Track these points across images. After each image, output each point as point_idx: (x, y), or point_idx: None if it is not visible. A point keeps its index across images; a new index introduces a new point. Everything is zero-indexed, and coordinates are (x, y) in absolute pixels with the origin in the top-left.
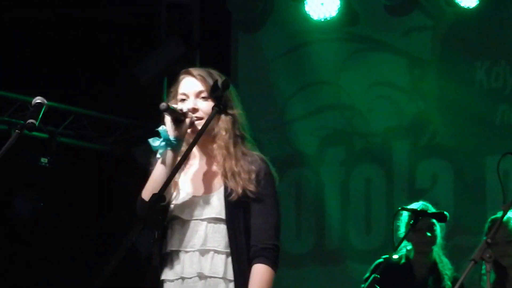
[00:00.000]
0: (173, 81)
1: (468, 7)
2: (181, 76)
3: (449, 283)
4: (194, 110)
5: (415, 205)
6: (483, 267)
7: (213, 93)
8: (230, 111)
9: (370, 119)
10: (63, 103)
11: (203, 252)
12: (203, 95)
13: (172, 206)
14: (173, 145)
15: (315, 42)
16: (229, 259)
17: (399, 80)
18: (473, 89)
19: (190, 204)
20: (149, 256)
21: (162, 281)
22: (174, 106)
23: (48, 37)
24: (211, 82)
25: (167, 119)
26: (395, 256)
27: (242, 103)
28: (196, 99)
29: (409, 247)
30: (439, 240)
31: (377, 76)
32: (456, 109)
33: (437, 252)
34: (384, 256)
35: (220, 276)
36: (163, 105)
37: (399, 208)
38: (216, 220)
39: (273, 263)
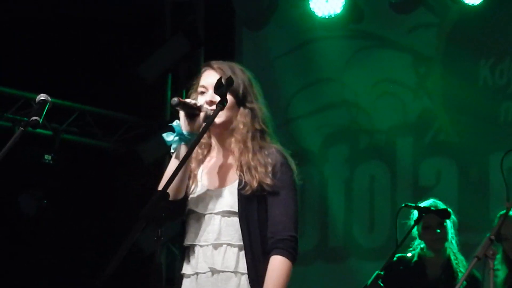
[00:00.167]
0: (196, 75)
1: (473, 4)
2: (203, 69)
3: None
4: (211, 102)
5: (426, 203)
6: (496, 262)
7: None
8: (249, 105)
9: (375, 116)
10: (67, 100)
11: (217, 246)
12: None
13: (189, 199)
14: (187, 140)
15: (319, 40)
16: (242, 252)
17: (403, 77)
18: (477, 86)
19: (205, 197)
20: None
21: (182, 275)
22: (188, 100)
23: (53, 35)
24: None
25: (181, 113)
26: (409, 255)
27: None
28: (213, 92)
29: (423, 245)
30: (450, 236)
31: (381, 73)
32: (461, 106)
33: (451, 249)
34: (398, 255)
35: (232, 270)
36: (174, 100)
37: (403, 205)
38: (230, 213)
39: (290, 255)
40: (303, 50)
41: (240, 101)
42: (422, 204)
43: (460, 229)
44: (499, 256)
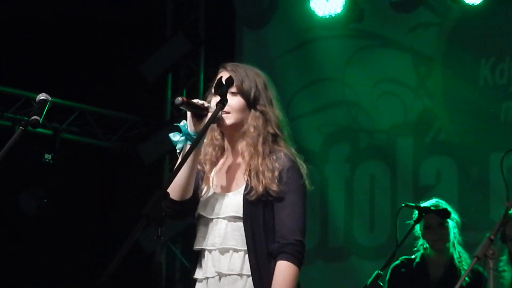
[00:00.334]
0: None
1: (473, 4)
2: (219, 70)
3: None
4: (226, 100)
5: (428, 203)
6: (501, 264)
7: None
8: (261, 108)
9: (375, 116)
10: (67, 100)
11: (223, 251)
12: (232, 90)
13: (199, 202)
14: (193, 140)
15: (320, 39)
16: (247, 256)
17: (404, 76)
18: (478, 86)
19: (213, 201)
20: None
21: (195, 280)
22: (195, 100)
23: (53, 34)
24: (242, 77)
25: (188, 113)
26: (413, 256)
27: None
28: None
29: (426, 245)
30: (452, 236)
31: (382, 73)
32: (461, 106)
33: (455, 248)
34: (402, 257)
35: (237, 272)
36: (178, 99)
37: (403, 204)
38: (235, 218)
39: (296, 259)
40: (304, 49)
41: (252, 104)
42: (425, 204)
43: (460, 228)
44: (504, 258)
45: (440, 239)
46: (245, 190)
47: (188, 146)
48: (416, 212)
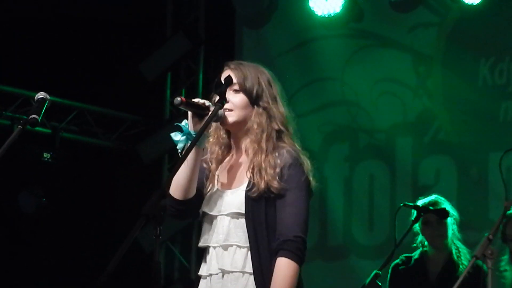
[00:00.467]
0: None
1: (472, 3)
2: (223, 69)
3: (461, 269)
4: (225, 102)
5: (428, 199)
6: (502, 264)
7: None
8: (264, 105)
9: (375, 115)
10: (66, 99)
11: (226, 247)
12: (235, 87)
13: (204, 200)
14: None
15: (319, 39)
16: (250, 253)
17: (404, 76)
18: (477, 85)
19: (216, 198)
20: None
21: (199, 277)
22: (196, 100)
23: (52, 34)
24: (244, 75)
25: (189, 113)
26: (413, 254)
27: None
28: (228, 91)
29: (425, 242)
30: (451, 232)
31: (381, 72)
32: (460, 105)
33: (454, 244)
34: (401, 256)
35: (239, 270)
36: (177, 99)
37: (401, 204)
38: (238, 214)
39: (296, 256)
40: (303, 49)
41: (254, 101)
42: (424, 200)
43: (459, 228)
44: (506, 257)
45: (438, 236)
46: (247, 187)
47: (188, 146)
48: (415, 211)
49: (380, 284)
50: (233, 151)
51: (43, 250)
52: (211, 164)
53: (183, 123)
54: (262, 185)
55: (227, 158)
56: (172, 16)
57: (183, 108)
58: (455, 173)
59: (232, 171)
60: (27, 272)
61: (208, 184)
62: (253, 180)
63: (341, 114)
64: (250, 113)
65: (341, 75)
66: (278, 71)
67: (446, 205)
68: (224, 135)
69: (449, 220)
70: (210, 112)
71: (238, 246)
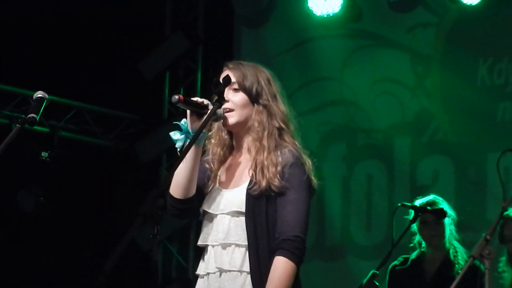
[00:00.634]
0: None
1: (471, 4)
2: (223, 69)
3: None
4: (225, 101)
5: (426, 199)
6: (500, 264)
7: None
8: (264, 103)
9: (373, 115)
10: (64, 98)
11: (225, 246)
12: (234, 86)
13: (205, 199)
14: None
15: (318, 38)
16: (248, 252)
17: (402, 76)
18: (475, 86)
19: (217, 197)
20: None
21: (197, 276)
22: (195, 98)
23: (51, 33)
24: (243, 74)
25: (188, 111)
26: (410, 254)
27: None
28: (228, 90)
29: (422, 242)
30: (448, 232)
31: (380, 72)
32: (459, 105)
33: (451, 244)
34: (400, 257)
35: (237, 269)
36: (174, 97)
37: (399, 204)
38: (238, 213)
39: (294, 255)
40: (302, 48)
41: (254, 99)
42: (422, 200)
43: (457, 228)
44: (504, 258)
45: (436, 235)
46: (249, 185)
47: (187, 145)
48: (412, 211)
49: (377, 284)
50: (235, 151)
51: (41, 249)
52: (213, 165)
53: (182, 122)
54: (264, 183)
55: (230, 158)
56: (171, 16)
57: (181, 107)
58: (453, 173)
59: (234, 171)
60: (25, 272)
61: (209, 184)
62: (255, 178)
63: (339, 114)
64: (250, 112)
65: (340, 75)
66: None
67: (444, 205)
68: (226, 136)
69: (447, 220)
70: (208, 111)
71: (237, 245)
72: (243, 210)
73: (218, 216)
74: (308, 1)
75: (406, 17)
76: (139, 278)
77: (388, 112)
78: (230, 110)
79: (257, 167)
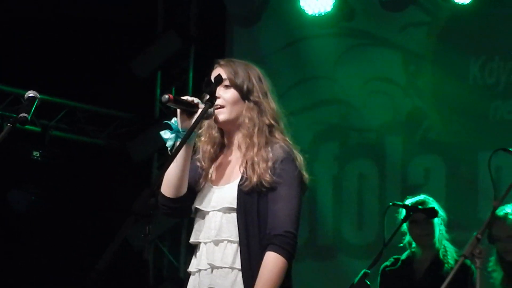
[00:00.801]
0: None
1: (463, 3)
2: (214, 66)
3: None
4: (217, 98)
5: (416, 198)
6: (490, 264)
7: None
8: (255, 99)
9: (365, 114)
10: (56, 97)
11: (217, 242)
12: (225, 83)
13: (197, 196)
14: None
15: (310, 37)
16: (239, 248)
17: (394, 75)
18: (467, 85)
19: (209, 194)
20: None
21: (189, 274)
22: (185, 97)
23: (43, 32)
24: (234, 70)
25: (178, 110)
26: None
27: None
28: (219, 87)
29: (412, 242)
30: (438, 231)
31: (372, 71)
32: (450, 104)
33: (441, 243)
34: (391, 258)
35: (229, 265)
36: (164, 97)
37: (390, 203)
38: (230, 209)
39: (284, 251)
40: (294, 47)
41: (245, 96)
42: (412, 200)
43: (448, 227)
44: (493, 258)
45: (425, 235)
46: (240, 181)
47: (178, 144)
48: (404, 210)
49: (369, 283)
50: (226, 148)
51: (32, 248)
52: (204, 163)
53: (173, 121)
54: (255, 179)
55: (221, 156)
56: (163, 15)
57: (171, 106)
58: (444, 172)
59: (225, 168)
60: (17, 271)
61: (201, 181)
62: (246, 174)
63: (331, 113)
64: (241, 109)
65: (332, 74)
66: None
67: (434, 205)
68: (217, 134)
69: (436, 220)
70: (199, 110)
71: (229, 241)
72: (235, 206)
73: (210, 213)
74: (300, 0)
75: (398, 16)
76: (131, 277)
77: (380, 111)
78: (221, 107)
79: (248, 163)
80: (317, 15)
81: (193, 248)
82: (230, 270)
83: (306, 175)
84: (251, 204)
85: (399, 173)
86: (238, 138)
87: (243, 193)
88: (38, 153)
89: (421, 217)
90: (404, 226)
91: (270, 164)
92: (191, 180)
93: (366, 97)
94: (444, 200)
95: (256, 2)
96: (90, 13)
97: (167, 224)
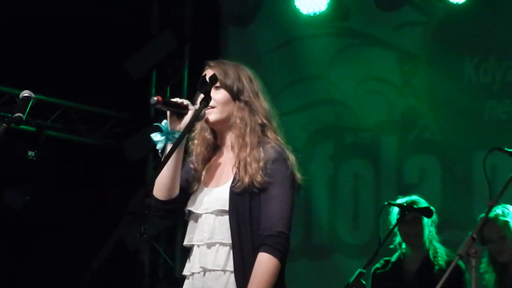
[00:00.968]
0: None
1: (457, 2)
2: (204, 68)
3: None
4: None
5: (406, 199)
6: (482, 265)
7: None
8: (245, 99)
9: (360, 114)
10: (51, 97)
11: (210, 245)
12: (216, 84)
13: (189, 199)
14: (174, 139)
15: (305, 37)
16: (232, 251)
17: (389, 75)
18: (462, 84)
19: (202, 197)
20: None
21: (184, 277)
22: (174, 99)
23: (37, 32)
24: (224, 71)
25: (168, 112)
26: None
27: None
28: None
29: (402, 243)
30: (427, 232)
31: (367, 71)
32: (445, 104)
33: (431, 244)
34: (381, 260)
35: (221, 268)
36: (153, 99)
37: (386, 203)
38: (222, 212)
39: (277, 251)
40: (289, 47)
41: (236, 96)
42: (403, 200)
43: (443, 227)
44: (485, 259)
45: (414, 235)
46: (232, 183)
47: (169, 145)
48: (393, 210)
49: (364, 282)
50: (219, 150)
51: (27, 247)
52: (197, 165)
53: (163, 123)
54: (247, 180)
55: (213, 158)
56: (158, 15)
57: (161, 108)
58: (439, 172)
59: (217, 169)
60: (13, 270)
61: (194, 184)
62: (238, 175)
63: (326, 113)
64: (232, 109)
65: (327, 74)
66: (264, 70)
67: (425, 205)
68: (209, 136)
69: (426, 220)
70: (189, 111)
71: (221, 243)
72: (227, 208)
73: (203, 216)
74: (295, 0)
75: (393, 16)
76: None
77: (375, 111)
78: (212, 107)
79: (240, 164)
80: (312, 14)
81: (187, 251)
82: (223, 272)
83: (298, 175)
84: (243, 205)
85: (395, 173)
86: (230, 138)
87: (235, 195)
88: (33, 153)
89: (409, 217)
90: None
91: (261, 164)
92: (183, 182)
93: (361, 97)
94: (439, 199)
95: (250, 2)
96: (84, 13)
97: (163, 224)
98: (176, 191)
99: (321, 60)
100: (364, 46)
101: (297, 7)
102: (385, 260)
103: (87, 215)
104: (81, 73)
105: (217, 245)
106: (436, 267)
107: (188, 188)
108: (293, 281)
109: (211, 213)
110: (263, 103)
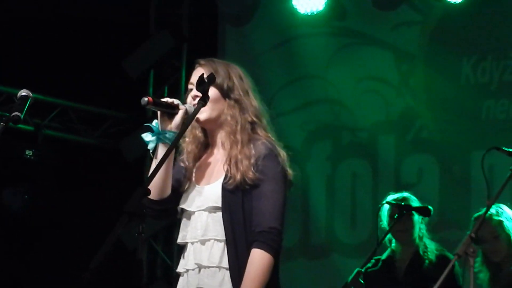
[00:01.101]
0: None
1: (455, 2)
2: (195, 66)
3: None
4: (196, 97)
5: (398, 195)
6: (476, 265)
7: (199, 86)
8: (235, 97)
9: (357, 113)
10: (49, 96)
11: (204, 242)
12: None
13: (182, 197)
14: (165, 139)
15: (302, 36)
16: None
17: (386, 75)
18: (459, 84)
19: (194, 194)
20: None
21: (178, 274)
22: (164, 99)
23: (35, 31)
24: (214, 69)
25: (158, 112)
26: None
27: None
28: (200, 87)
29: (393, 240)
30: (417, 229)
31: (364, 70)
32: (443, 104)
33: (421, 240)
34: (371, 260)
35: (216, 265)
36: (143, 100)
37: (383, 202)
38: (215, 209)
39: (270, 247)
40: (286, 47)
41: (226, 94)
42: (393, 197)
43: (441, 226)
44: (479, 259)
45: (404, 231)
46: (224, 180)
47: (160, 146)
48: (387, 207)
49: (362, 282)
50: (210, 148)
51: (25, 247)
52: (188, 163)
53: (153, 123)
54: (238, 177)
55: (204, 156)
56: (155, 14)
57: (151, 108)
58: (437, 171)
59: (209, 167)
60: (12, 270)
61: (185, 182)
62: (230, 172)
63: (324, 112)
64: (222, 107)
65: (324, 73)
66: (261, 69)
67: (415, 203)
68: (200, 134)
69: (416, 217)
70: (180, 110)
71: (216, 240)
72: (220, 205)
73: (196, 213)
74: None
75: (390, 15)
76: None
77: (373, 111)
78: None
79: (232, 161)
80: (309, 14)
81: (182, 249)
82: (218, 269)
83: (290, 171)
84: (236, 202)
85: (392, 173)
86: (221, 136)
87: (227, 192)
88: (31, 152)
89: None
90: (385, 224)
91: (252, 161)
92: (175, 181)
93: (359, 97)
94: (437, 199)
95: (248, 1)
96: (82, 13)
97: (161, 223)
98: (168, 191)
99: (319, 59)
100: (362, 46)
101: (294, 6)
102: (375, 259)
103: (86, 214)
104: (79, 72)
105: (212, 240)
106: (426, 261)
107: (179, 187)
108: (292, 281)
109: (204, 210)
110: (253, 101)
